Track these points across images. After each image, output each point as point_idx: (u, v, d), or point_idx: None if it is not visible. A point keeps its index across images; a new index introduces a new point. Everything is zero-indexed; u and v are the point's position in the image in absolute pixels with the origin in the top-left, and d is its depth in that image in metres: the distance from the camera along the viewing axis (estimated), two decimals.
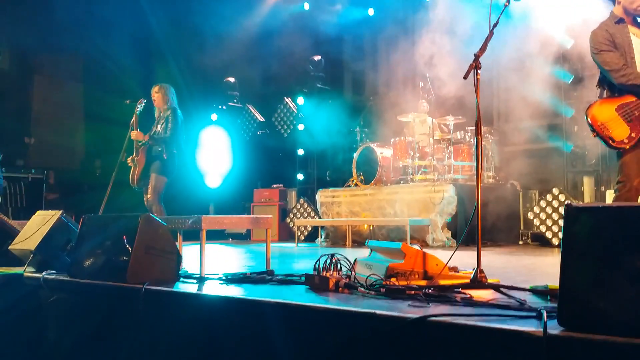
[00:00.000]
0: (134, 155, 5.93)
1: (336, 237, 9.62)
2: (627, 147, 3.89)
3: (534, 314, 2.36)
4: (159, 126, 5.93)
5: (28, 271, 4.69)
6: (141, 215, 3.97)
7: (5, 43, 11.76)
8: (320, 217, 10.07)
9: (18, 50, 12.10)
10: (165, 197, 6.04)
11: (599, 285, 2.02)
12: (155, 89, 6.15)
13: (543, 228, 8.03)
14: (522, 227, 8.80)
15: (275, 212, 11.30)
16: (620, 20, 4.08)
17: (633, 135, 3.86)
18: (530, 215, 8.35)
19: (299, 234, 10.58)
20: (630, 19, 4.08)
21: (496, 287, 3.10)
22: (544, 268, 4.82)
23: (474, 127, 3.58)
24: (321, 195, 10.02)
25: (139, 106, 6.01)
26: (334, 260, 3.33)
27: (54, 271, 4.51)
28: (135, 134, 5.80)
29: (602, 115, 3.90)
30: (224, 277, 4.00)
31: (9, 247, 5.15)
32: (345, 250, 7.89)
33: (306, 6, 12.50)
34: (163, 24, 10.73)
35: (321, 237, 9.90)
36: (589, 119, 4.02)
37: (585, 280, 2.06)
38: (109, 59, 11.43)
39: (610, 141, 3.96)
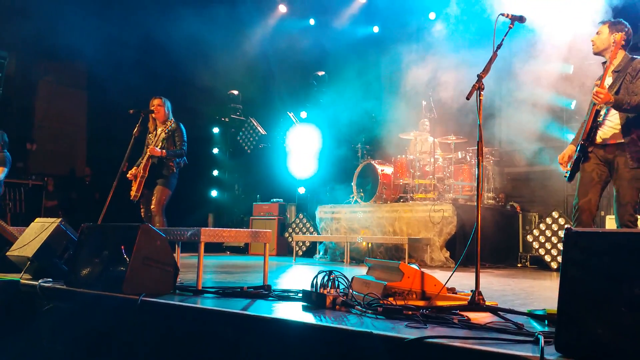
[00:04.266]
0: (137, 168, 5.93)
1: (334, 254, 9.59)
2: (567, 179, 4.31)
3: (531, 338, 2.35)
4: (166, 141, 5.94)
5: (25, 278, 4.67)
6: (140, 225, 3.96)
7: (10, 49, 11.83)
8: (319, 233, 10.05)
9: (23, 56, 12.19)
10: (166, 208, 6.05)
11: (597, 312, 2.01)
12: (157, 101, 6.15)
13: (542, 251, 8.01)
14: (521, 250, 8.78)
15: (274, 227, 11.28)
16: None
17: (569, 168, 4.29)
18: (529, 238, 8.33)
19: (297, 249, 10.55)
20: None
21: (494, 310, 3.08)
22: (542, 292, 4.80)
23: (476, 148, 3.60)
24: (320, 211, 10.01)
25: (142, 116, 6.01)
26: (331, 277, 3.32)
27: (50, 279, 4.49)
28: (151, 150, 5.81)
29: (562, 158, 4.35)
30: (220, 291, 3.98)
31: (7, 254, 5.14)
32: (343, 267, 7.87)
33: (311, 21, 12.59)
34: (167, 35, 10.79)
35: (319, 253, 9.87)
36: None
37: (583, 306, 2.05)
38: (113, 68, 11.49)
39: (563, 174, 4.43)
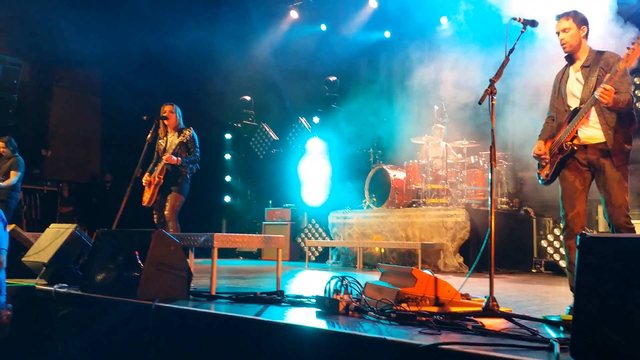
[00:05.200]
0: (151, 175, 5.97)
1: (347, 259, 9.58)
2: (544, 182, 4.03)
3: (546, 345, 2.33)
4: (179, 148, 5.98)
5: (40, 284, 4.72)
6: (154, 231, 3.99)
7: (25, 56, 11.98)
8: (331, 238, 10.05)
9: (38, 63, 12.34)
10: (179, 214, 6.08)
11: (613, 317, 2.00)
12: (169, 107, 6.18)
13: (557, 256, 7.94)
14: (535, 255, 8.71)
15: (286, 232, 11.29)
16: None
17: (548, 172, 3.97)
18: (544, 243, 8.26)
19: (310, 254, 10.55)
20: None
21: (508, 316, 3.07)
22: (557, 298, 4.76)
23: (488, 152, 3.58)
24: (333, 216, 10.00)
25: (155, 123, 6.06)
26: (344, 283, 3.32)
27: (65, 285, 4.54)
28: (168, 158, 5.85)
29: (540, 150, 4.01)
30: (234, 296, 4.00)
31: (22, 259, 5.19)
32: (355, 272, 7.85)
33: (323, 27, 12.63)
34: (180, 41, 10.88)
35: (332, 258, 9.87)
36: None
37: (598, 311, 2.04)
38: (126, 75, 11.60)
39: (537, 176, 4.12)
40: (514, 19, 3.77)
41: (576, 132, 3.75)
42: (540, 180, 4.06)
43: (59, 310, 4.33)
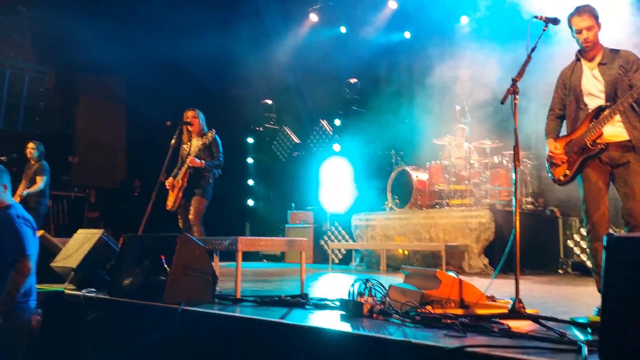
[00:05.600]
0: (174, 179, 6.04)
1: (370, 261, 9.56)
2: (560, 183, 3.94)
3: (574, 347, 2.30)
4: (202, 152, 6.04)
5: (69, 289, 4.81)
6: (179, 235, 4.04)
7: (51, 64, 12.22)
8: (354, 240, 10.04)
9: (63, 71, 12.57)
10: (203, 218, 6.14)
11: None
12: (192, 113, 6.26)
13: (584, 257, 7.82)
14: (562, 256, 8.59)
15: (309, 234, 11.32)
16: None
17: (567, 172, 3.87)
18: (570, 243, 8.14)
19: (333, 256, 10.56)
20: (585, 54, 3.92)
21: (535, 318, 3.03)
22: (585, 299, 4.69)
23: (512, 152, 3.55)
24: (355, 219, 10.00)
25: (179, 129, 6.13)
26: (368, 286, 3.32)
27: (93, 289, 4.62)
28: (191, 161, 5.92)
29: (557, 149, 3.91)
30: (259, 300, 4.02)
31: (51, 264, 5.29)
32: (379, 274, 7.84)
33: (343, 29, 12.64)
34: (202, 46, 11.00)
35: (355, 260, 9.85)
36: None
37: (627, 313, 2.01)
38: (150, 81, 11.76)
39: (549, 174, 4.03)
40: (536, 17, 3.73)
41: (602, 131, 3.69)
42: (556, 181, 3.97)
43: (87, 314, 4.41)
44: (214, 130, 6.14)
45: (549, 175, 4.05)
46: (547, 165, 4.06)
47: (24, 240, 3.74)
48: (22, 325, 3.83)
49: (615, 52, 3.81)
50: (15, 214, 3.84)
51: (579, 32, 3.81)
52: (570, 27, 3.86)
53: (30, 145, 8.71)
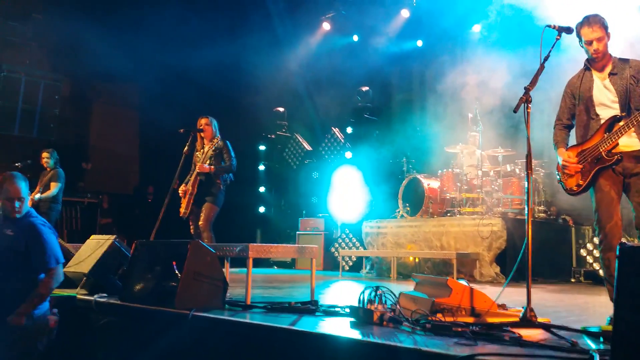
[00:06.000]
0: (186, 185, 6.08)
1: (381, 269, 9.53)
2: (573, 193, 3.87)
3: (586, 356, 2.29)
4: (213, 158, 6.07)
5: (81, 294, 4.84)
6: (191, 241, 4.06)
7: (65, 72, 12.37)
8: (365, 248, 10.02)
9: (77, 78, 12.72)
10: (214, 223, 6.17)
11: None
12: (205, 120, 6.31)
13: (596, 265, 7.75)
14: (574, 264, 8.51)
15: (320, 242, 11.32)
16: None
17: (580, 182, 3.81)
18: (583, 252, 8.06)
19: (344, 264, 10.54)
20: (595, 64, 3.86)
21: (546, 327, 3.01)
22: (597, 308, 4.65)
23: (524, 160, 3.53)
24: (366, 226, 9.98)
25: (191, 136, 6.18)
26: (378, 293, 3.31)
27: (105, 294, 4.65)
28: (200, 167, 5.96)
29: (571, 159, 3.84)
30: (269, 306, 4.03)
31: (63, 270, 5.33)
32: (390, 282, 7.81)
33: (355, 38, 12.68)
34: (215, 54, 11.09)
35: (366, 268, 9.83)
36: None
37: None
38: (163, 88, 11.87)
39: (561, 184, 3.98)
40: (549, 26, 3.72)
41: (618, 142, 3.66)
42: (568, 190, 3.92)
43: (99, 319, 4.44)
44: (219, 136, 6.19)
45: (560, 185, 4.02)
46: (557, 174, 4.03)
47: (55, 250, 3.85)
48: (43, 325, 3.93)
49: (624, 61, 3.79)
50: (40, 223, 3.93)
51: (589, 43, 3.78)
52: (579, 37, 3.83)
53: (44, 154, 8.82)
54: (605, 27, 3.76)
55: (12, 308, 3.81)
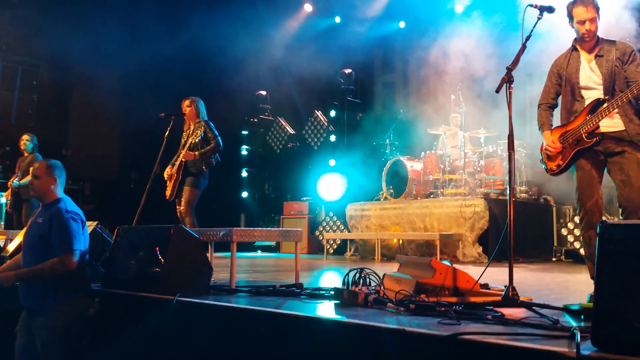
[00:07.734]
0: (172, 168, 6.02)
1: (365, 251, 9.58)
2: (553, 173, 3.93)
3: (567, 333, 2.32)
4: (196, 139, 6.00)
5: None
6: (173, 226, 4.03)
7: (44, 56, 12.13)
8: (349, 231, 10.06)
9: (57, 63, 12.47)
10: (197, 208, 6.13)
11: (635, 305, 1.98)
12: (186, 102, 6.24)
13: (577, 244, 7.86)
14: (555, 244, 8.64)
15: (304, 225, 11.34)
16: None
17: (560, 163, 3.86)
18: (564, 232, 8.17)
19: (328, 247, 10.57)
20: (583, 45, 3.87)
21: (528, 306, 3.05)
22: (578, 286, 4.72)
23: (506, 141, 3.55)
24: (350, 209, 10.01)
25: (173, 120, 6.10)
26: (363, 275, 3.33)
27: None
28: (185, 155, 5.89)
29: (555, 143, 3.88)
30: (253, 290, 4.03)
31: None
32: (374, 264, 7.86)
33: (337, 19, 12.59)
34: (195, 38, 10.95)
35: (350, 250, 9.88)
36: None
37: (620, 299, 2.02)
38: (144, 73, 11.69)
39: (542, 165, 4.03)
40: (531, 5, 3.71)
41: (599, 124, 3.67)
42: (548, 171, 3.97)
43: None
44: (198, 118, 6.13)
45: (542, 165, 4.05)
46: (540, 156, 4.06)
47: (71, 236, 3.81)
48: (80, 313, 3.97)
49: (611, 43, 3.78)
50: (64, 208, 3.90)
51: (582, 22, 3.75)
52: (570, 16, 3.80)
53: (25, 137, 8.69)
54: (597, 8, 3.75)
55: (44, 292, 3.84)
